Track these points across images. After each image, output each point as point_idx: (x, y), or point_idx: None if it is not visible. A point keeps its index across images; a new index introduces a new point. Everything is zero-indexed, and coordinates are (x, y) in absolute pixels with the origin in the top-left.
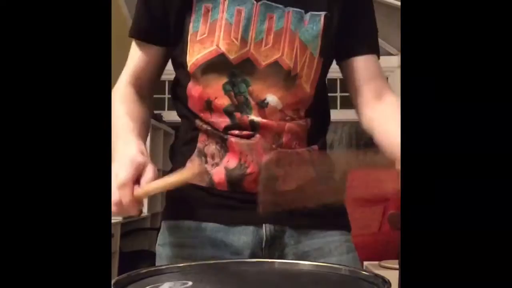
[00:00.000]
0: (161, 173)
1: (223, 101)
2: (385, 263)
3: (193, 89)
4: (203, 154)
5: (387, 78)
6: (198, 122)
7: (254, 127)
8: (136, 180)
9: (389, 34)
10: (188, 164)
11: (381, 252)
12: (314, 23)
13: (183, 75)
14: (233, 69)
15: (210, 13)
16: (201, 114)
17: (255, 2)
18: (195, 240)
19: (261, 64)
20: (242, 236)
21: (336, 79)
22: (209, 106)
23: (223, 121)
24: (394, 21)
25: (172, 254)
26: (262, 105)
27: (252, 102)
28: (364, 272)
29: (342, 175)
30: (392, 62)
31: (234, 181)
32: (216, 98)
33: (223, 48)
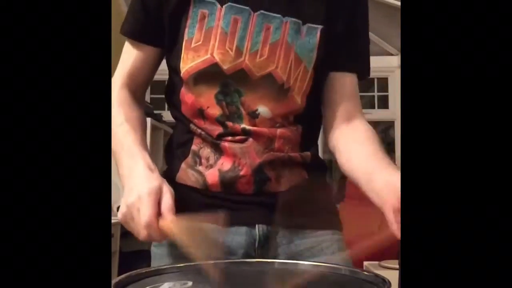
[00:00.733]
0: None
1: (215, 111)
2: (385, 263)
3: (186, 96)
4: (197, 156)
5: (387, 78)
6: (192, 126)
7: (246, 133)
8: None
9: (389, 34)
10: (183, 166)
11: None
12: (311, 36)
13: (176, 80)
14: (226, 79)
15: (206, 19)
16: (195, 120)
17: (252, 12)
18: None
19: (254, 75)
20: (235, 237)
21: None
22: (201, 114)
23: (216, 129)
24: (394, 21)
25: (165, 253)
26: (253, 116)
27: (244, 112)
28: (364, 272)
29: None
30: (392, 62)
31: (227, 183)
32: (208, 107)
33: (217, 57)
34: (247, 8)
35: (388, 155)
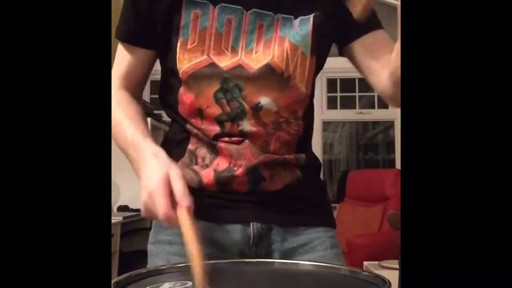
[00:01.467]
0: None
1: (215, 110)
2: (385, 263)
3: (185, 96)
4: (194, 156)
5: None
6: (188, 126)
7: (243, 135)
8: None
9: (389, 34)
10: (179, 165)
11: (381, 252)
12: (303, 25)
13: (173, 81)
14: (224, 75)
15: (199, 19)
16: (192, 120)
17: (245, 11)
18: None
19: (252, 68)
20: (230, 234)
21: (336, 79)
22: (200, 113)
23: (213, 129)
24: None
25: (161, 250)
26: (256, 109)
27: (247, 107)
28: (364, 272)
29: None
30: None
31: (223, 182)
32: (207, 107)
33: (213, 57)
34: (240, 7)
35: (388, 155)
